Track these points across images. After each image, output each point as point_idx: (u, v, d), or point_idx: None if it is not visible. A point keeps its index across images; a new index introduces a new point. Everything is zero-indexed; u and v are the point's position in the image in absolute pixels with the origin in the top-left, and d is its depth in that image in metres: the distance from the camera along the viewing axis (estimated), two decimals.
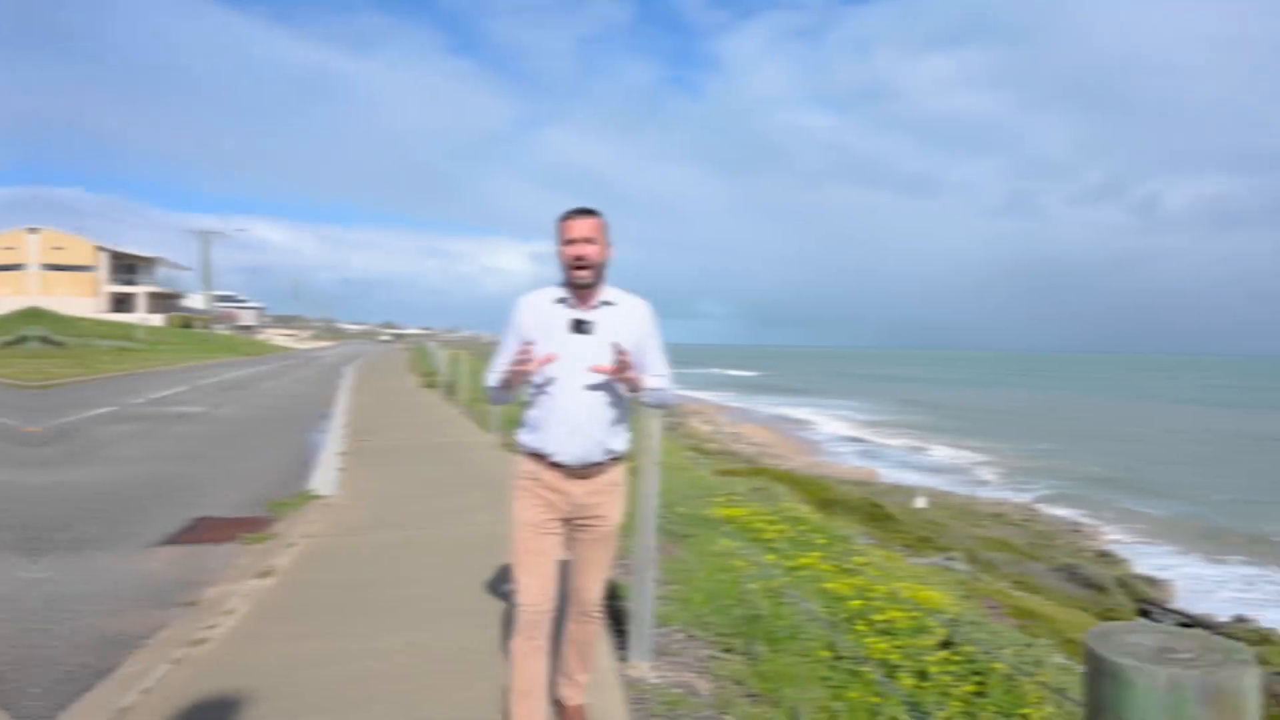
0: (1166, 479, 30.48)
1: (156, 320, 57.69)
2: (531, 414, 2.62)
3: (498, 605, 4.19)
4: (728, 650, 3.91)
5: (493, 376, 2.65)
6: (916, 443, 40.39)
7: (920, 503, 23.38)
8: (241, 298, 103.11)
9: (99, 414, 13.28)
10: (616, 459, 2.68)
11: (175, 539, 5.76)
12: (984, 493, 28.02)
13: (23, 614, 4.20)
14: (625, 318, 2.60)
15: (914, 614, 4.63)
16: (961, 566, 14.65)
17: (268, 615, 4.04)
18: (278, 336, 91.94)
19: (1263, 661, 8.68)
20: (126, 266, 63.32)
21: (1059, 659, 7.56)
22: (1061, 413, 59.44)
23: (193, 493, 7.33)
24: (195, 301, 77.02)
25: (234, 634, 3.78)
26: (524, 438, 2.65)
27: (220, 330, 65.30)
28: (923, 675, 3.93)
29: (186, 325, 60.87)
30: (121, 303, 61.23)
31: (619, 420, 2.64)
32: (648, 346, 2.66)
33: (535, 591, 2.55)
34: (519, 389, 2.59)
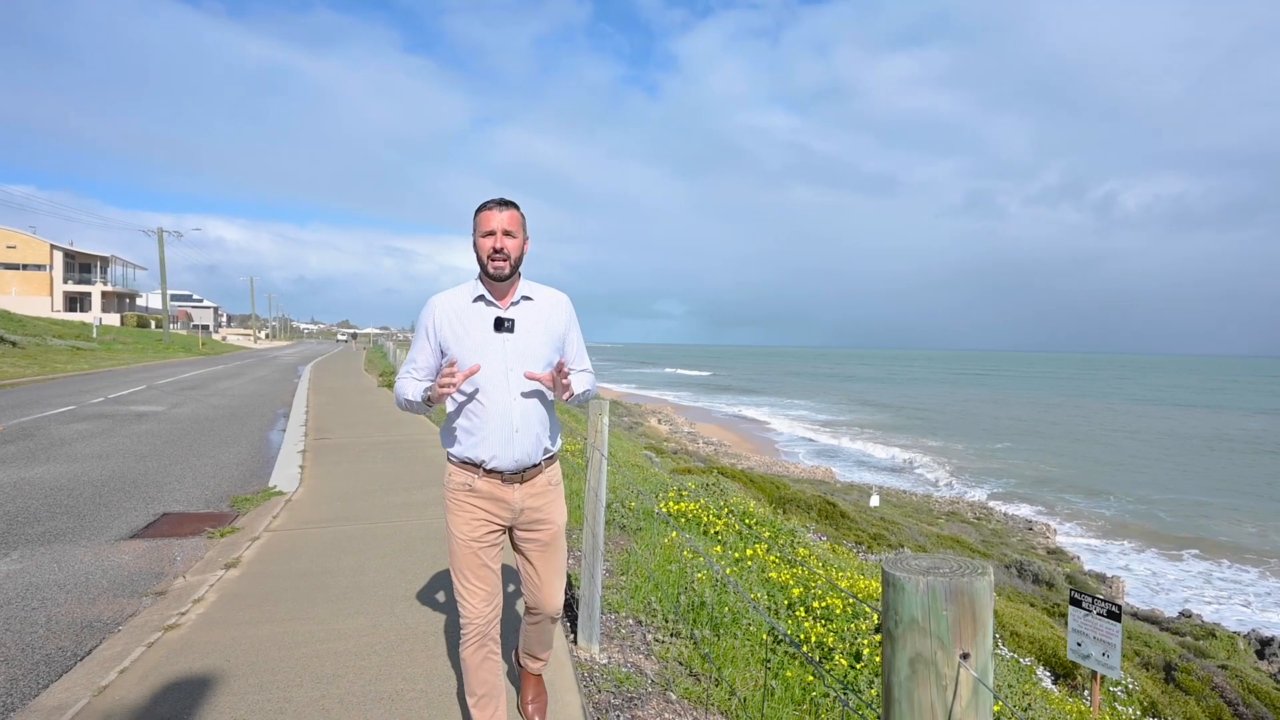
0: (1118, 479, 31.61)
1: (111, 319, 56.51)
2: (459, 421, 2.51)
3: (448, 591, 4.46)
4: (673, 635, 4.21)
5: (409, 388, 2.52)
6: (873, 442, 41.23)
7: (875, 501, 24.00)
8: (196, 297, 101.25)
9: (58, 413, 13.19)
10: (551, 458, 2.64)
11: (142, 533, 5.91)
12: (939, 491, 28.81)
13: (2, 602, 4.36)
14: (546, 312, 2.54)
15: (851, 601, 5.01)
16: None
17: (235, 603, 4.25)
18: (233, 336, 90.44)
19: (1204, 654, 9.26)
20: (81, 265, 61.94)
21: (1005, 652, 8.06)
22: (1018, 413, 60.95)
23: (156, 489, 7.45)
24: (151, 301, 75.47)
25: (204, 619, 4.00)
26: (452, 448, 2.55)
27: (176, 330, 64.08)
28: (857, 657, 4.29)
29: (142, 325, 59.68)
30: (76, 302, 59.86)
31: (552, 418, 2.60)
32: (570, 340, 2.62)
33: (480, 604, 2.50)
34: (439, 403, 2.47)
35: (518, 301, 2.49)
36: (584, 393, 2.58)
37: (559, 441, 2.66)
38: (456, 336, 2.43)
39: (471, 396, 2.45)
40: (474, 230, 2.45)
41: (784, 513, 13.59)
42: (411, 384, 2.55)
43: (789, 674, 3.78)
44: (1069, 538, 23.14)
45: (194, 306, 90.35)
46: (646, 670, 3.71)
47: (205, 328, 66.26)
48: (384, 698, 3.13)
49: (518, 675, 3.09)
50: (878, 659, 4.29)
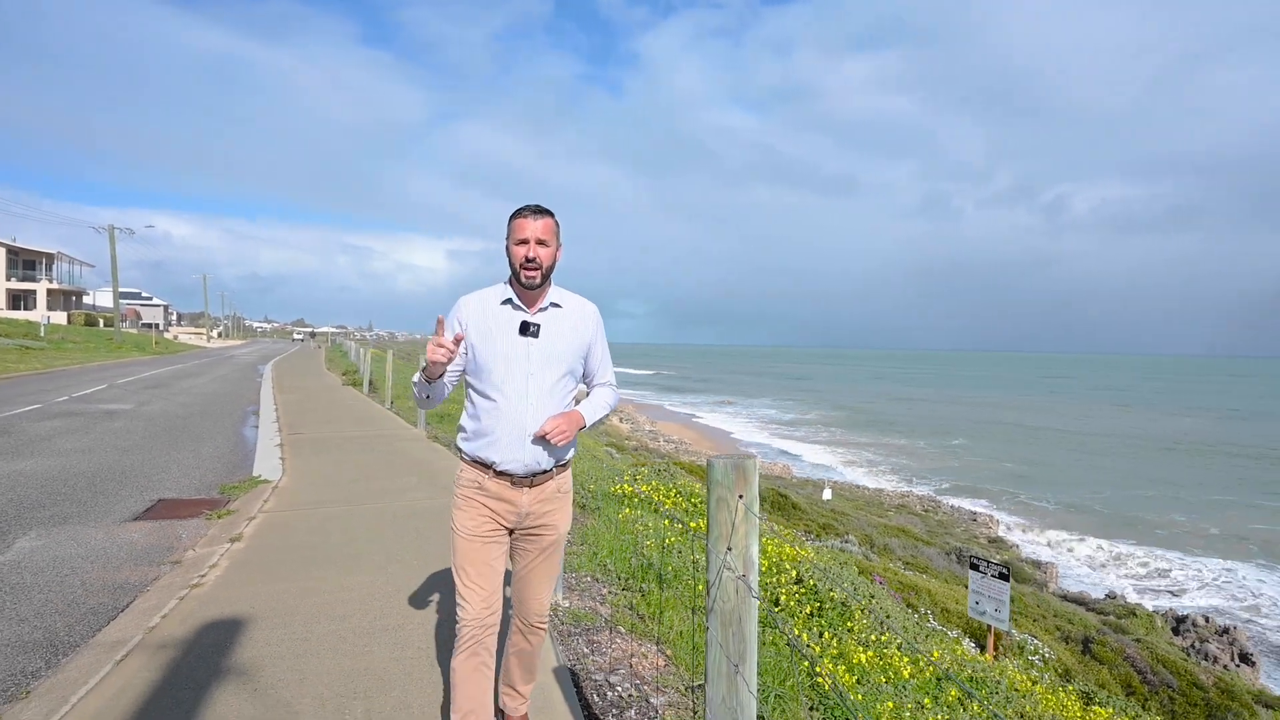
0: (1061, 474, 33.38)
1: (58, 318, 55.39)
2: (473, 421, 2.53)
3: (433, 556, 5.20)
4: (625, 589, 5.00)
5: (417, 374, 2.56)
6: (830, 440, 42.72)
7: (827, 494, 25.12)
8: (146, 295, 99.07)
9: (26, 411, 13.48)
10: (564, 466, 2.64)
11: (144, 516, 6.50)
12: (891, 486, 30.12)
13: (36, 570, 4.99)
14: (573, 321, 2.55)
15: (775, 561, 5.87)
16: (855, 548, 16.24)
17: (246, 568, 4.92)
18: (185, 335, 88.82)
19: (1124, 630, 10.55)
20: (25, 262, 60.50)
21: (935, 625, 9.07)
22: (970, 411, 63.19)
23: (145, 479, 8.00)
24: (99, 299, 73.88)
25: (222, 580, 4.67)
26: (466, 445, 2.56)
27: (126, 329, 62.94)
28: (775, 602, 5.15)
29: (90, 323, 58.53)
30: (19, 300, 58.51)
31: None
32: (594, 351, 2.63)
33: (478, 605, 2.47)
34: (440, 385, 2.49)
35: (545, 308, 2.51)
36: (601, 419, 2.63)
37: (573, 450, 2.68)
38: (482, 337, 2.46)
39: (489, 398, 2.47)
40: (507, 235, 2.47)
41: None
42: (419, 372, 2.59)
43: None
44: (1010, 530, 24.53)
45: (143, 304, 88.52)
46: (601, 612, 4.48)
47: (155, 326, 65.16)
48: (388, 629, 3.87)
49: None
50: (793, 604, 5.15)
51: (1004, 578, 6.85)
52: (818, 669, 3.64)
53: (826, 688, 3.47)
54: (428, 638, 3.77)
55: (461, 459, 2.59)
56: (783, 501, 20.16)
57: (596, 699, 3.24)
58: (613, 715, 3.12)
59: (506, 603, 2.77)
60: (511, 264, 2.45)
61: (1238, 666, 14.75)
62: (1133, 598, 18.39)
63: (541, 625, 2.69)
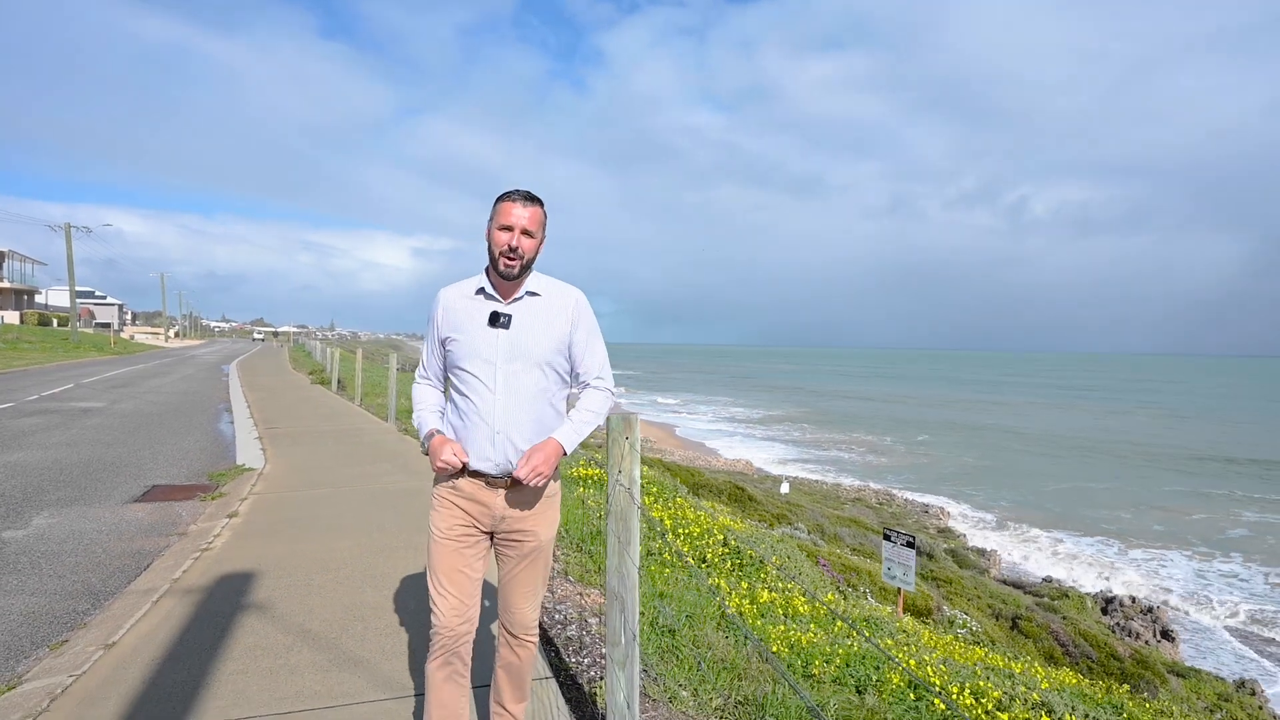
0: (1013, 470, 34.99)
1: (11, 317, 54.56)
2: (449, 417, 2.44)
3: (410, 527, 6.01)
4: (578, 551, 5.85)
5: (424, 408, 2.51)
6: (793, 437, 44.08)
7: (784, 489, 26.19)
8: (100, 294, 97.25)
9: (0, 409, 13.91)
10: None
11: (142, 499, 7.19)
12: (849, 480, 31.35)
13: (59, 540, 5.70)
14: (549, 312, 2.39)
15: (707, 529, 6.77)
16: (804, 535, 17.29)
17: (247, 537, 5.68)
18: (141, 335, 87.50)
19: (1055, 610, 11.92)
20: None
21: (873, 602, 10.01)
22: (932, 409, 65.15)
23: (135, 469, 8.65)
24: (51, 298, 72.58)
25: (228, 545, 5.43)
26: None
27: (81, 329, 62.05)
28: (703, 560, 6.05)
29: (44, 323, 57.68)
30: None
31: (547, 424, 2.41)
32: (578, 343, 2.44)
33: (449, 612, 2.36)
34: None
35: (521, 297, 2.38)
36: (579, 440, 2.42)
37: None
38: (453, 330, 2.38)
39: (461, 393, 2.38)
40: (490, 218, 2.34)
41: (697, 496, 15.42)
42: (428, 393, 2.55)
43: (652, 569, 5.48)
44: (959, 521, 25.84)
45: (97, 303, 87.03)
46: (555, 567, 5.32)
47: (109, 326, 64.32)
48: (375, 578, 4.68)
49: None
50: (717, 561, 6.05)
51: (911, 546, 7.83)
52: (727, 602, 4.53)
53: (734, 611, 4.36)
54: (410, 583, 4.59)
55: None
56: (739, 494, 21.12)
57: (546, 620, 4.10)
58: (558, 627, 3.99)
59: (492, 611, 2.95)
60: (490, 250, 2.33)
61: (1159, 642, 16.04)
62: (1068, 583, 19.69)
63: (528, 638, 2.54)
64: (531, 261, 2.36)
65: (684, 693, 3.36)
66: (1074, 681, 5.81)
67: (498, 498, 2.37)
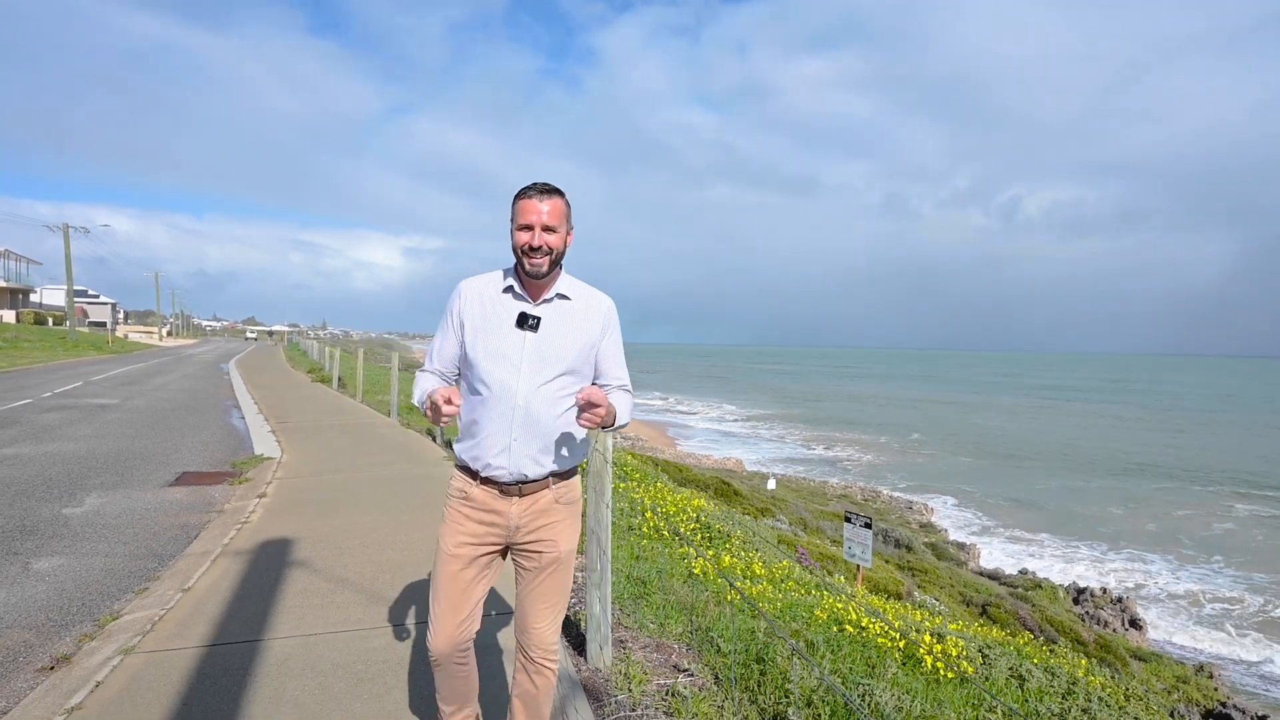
0: (997, 469, 35.93)
1: (8, 316, 55.09)
2: (465, 417, 2.30)
3: (421, 507, 6.84)
4: None
5: (423, 384, 2.36)
6: (784, 436, 45.07)
7: (771, 485, 27.09)
8: (93, 293, 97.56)
9: (21, 405, 14.66)
10: (564, 475, 2.37)
11: (176, 483, 8.01)
12: (836, 478, 32.28)
13: (114, 515, 6.52)
14: (579, 316, 2.31)
15: (682, 508, 7.63)
16: (785, 527, 18.19)
17: (278, 514, 6.51)
18: (134, 334, 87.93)
19: (1027, 600, 13.03)
20: None
21: (849, 588, 10.86)
22: (923, 409, 66.23)
23: (162, 458, 9.45)
24: (46, 297, 72.99)
25: (264, 520, 6.26)
26: (457, 447, 2.37)
27: (78, 328, 62.56)
28: (677, 534, 6.90)
29: (39, 322, 58.19)
30: None
31: (568, 430, 2.30)
32: (607, 352, 2.37)
33: (443, 640, 2.29)
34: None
35: (551, 299, 2.28)
36: (620, 419, 2.29)
37: (578, 458, 2.40)
38: (477, 328, 2.27)
39: (478, 392, 2.27)
40: (511, 218, 2.22)
41: (681, 488, 16.30)
42: (428, 379, 2.39)
43: (631, 539, 6.31)
44: (942, 518, 26.73)
45: (90, 302, 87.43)
46: None
47: (103, 325, 64.79)
48: (397, 544, 5.53)
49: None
50: (690, 534, 6.89)
51: (868, 526, 8.70)
52: (693, 565, 5.40)
53: (697, 572, 5.22)
54: (425, 549, 5.44)
55: (455, 464, 2.42)
56: (725, 489, 21.98)
57: None
58: None
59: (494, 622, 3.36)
60: (515, 250, 2.22)
61: (1126, 630, 16.94)
62: (1043, 574, 20.56)
63: (547, 663, 2.39)
64: (559, 257, 2.25)
65: (651, 625, 4.21)
66: (999, 635, 6.69)
67: (512, 506, 2.28)
